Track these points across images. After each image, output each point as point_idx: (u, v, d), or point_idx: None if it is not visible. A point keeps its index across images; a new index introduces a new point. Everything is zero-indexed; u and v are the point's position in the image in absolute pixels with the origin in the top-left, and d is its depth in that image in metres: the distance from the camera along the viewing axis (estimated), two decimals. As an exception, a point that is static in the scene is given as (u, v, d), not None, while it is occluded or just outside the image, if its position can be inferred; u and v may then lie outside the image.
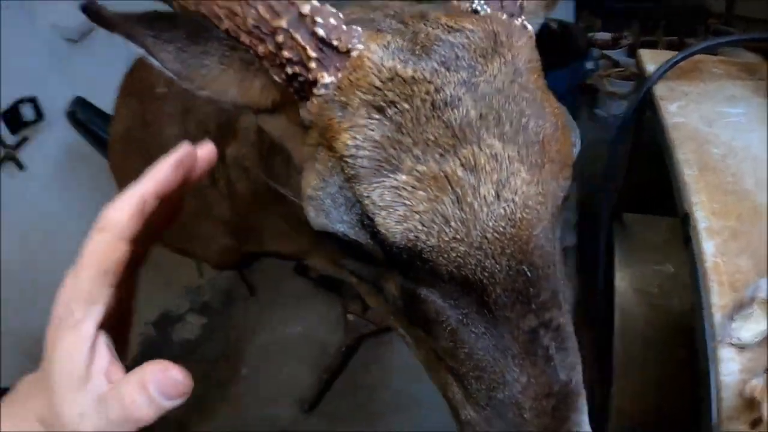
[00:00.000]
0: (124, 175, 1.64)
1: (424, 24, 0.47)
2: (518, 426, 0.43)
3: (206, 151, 0.48)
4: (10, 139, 2.72)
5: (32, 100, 2.66)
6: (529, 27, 0.51)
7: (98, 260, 0.39)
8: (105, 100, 2.24)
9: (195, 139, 1.02)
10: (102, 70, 2.52)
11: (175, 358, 1.49)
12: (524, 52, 0.48)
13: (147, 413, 0.37)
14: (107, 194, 1.49)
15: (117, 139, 1.66)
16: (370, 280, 0.55)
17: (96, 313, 0.39)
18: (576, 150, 0.51)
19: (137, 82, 1.55)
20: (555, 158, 0.45)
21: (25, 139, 2.75)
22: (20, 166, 2.76)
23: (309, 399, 2.20)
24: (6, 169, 2.75)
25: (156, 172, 0.44)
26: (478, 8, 0.47)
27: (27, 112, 2.66)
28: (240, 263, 1.78)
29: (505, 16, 0.48)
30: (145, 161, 1.12)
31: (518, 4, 0.50)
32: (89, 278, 0.39)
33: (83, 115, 2.65)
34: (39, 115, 2.72)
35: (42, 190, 2.84)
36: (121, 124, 1.58)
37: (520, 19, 0.50)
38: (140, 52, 0.52)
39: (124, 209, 0.41)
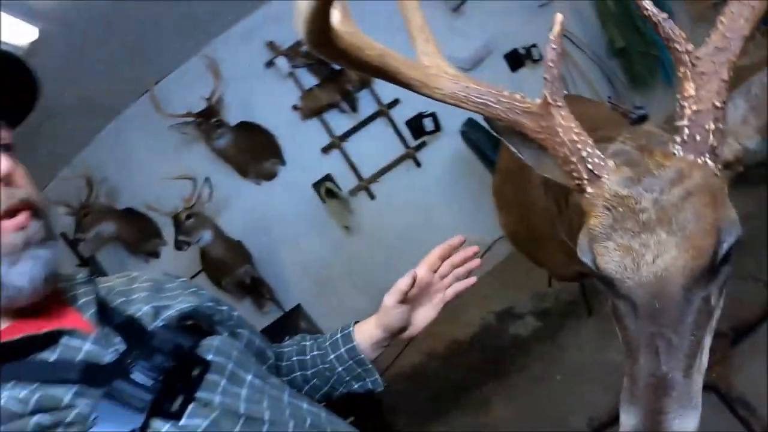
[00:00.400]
0: (501, 198, 2.22)
1: (649, 159, 0.73)
2: (635, 392, 0.68)
3: (470, 250, 0.99)
4: (411, 142, 3.41)
5: (432, 115, 3.27)
6: (710, 163, 0.70)
7: (425, 258, 0.96)
8: None
9: (549, 184, 1.50)
10: None
11: (503, 347, 2.92)
12: (699, 182, 0.68)
13: (401, 285, 0.88)
14: (483, 200, 2.82)
15: (500, 170, 2.24)
16: (603, 293, 0.86)
17: (414, 273, 0.90)
18: (725, 244, 0.72)
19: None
20: (697, 247, 0.67)
21: (424, 144, 3.49)
22: (418, 164, 3.54)
23: (599, 420, 2.35)
24: (406, 164, 3.76)
25: (445, 243, 0.97)
26: (676, 152, 0.70)
27: (428, 123, 3.29)
28: (574, 278, 2.12)
29: (692, 157, 0.69)
30: (515, 192, 1.84)
31: (707, 148, 0.69)
32: (422, 263, 0.95)
33: (474, 135, 3.16)
34: (437, 127, 3.32)
35: (432, 185, 3.73)
36: (504, 161, 2.14)
37: (705, 158, 0.70)
38: (511, 147, 0.86)
39: (435, 250, 0.96)
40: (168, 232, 3.60)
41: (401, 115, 3.66)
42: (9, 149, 0.67)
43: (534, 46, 3.70)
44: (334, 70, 3.53)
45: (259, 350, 0.86)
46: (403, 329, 0.95)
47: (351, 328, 0.96)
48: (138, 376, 0.62)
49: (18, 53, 1.93)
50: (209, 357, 0.69)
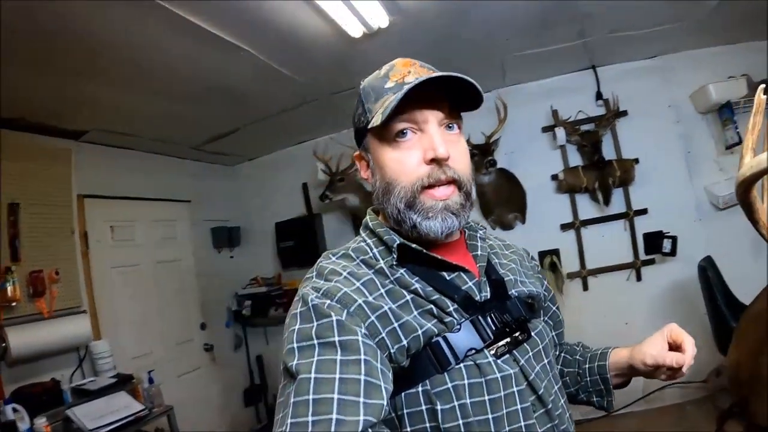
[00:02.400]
0: (743, 335, 2.36)
1: None
2: None
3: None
4: (642, 255, 3.96)
5: (673, 239, 3.76)
6: None
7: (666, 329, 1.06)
8: (730, 267, 3.22)
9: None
10: (734, 240, 3.57)
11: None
12: None
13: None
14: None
15: (751, 314, 2.43)
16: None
17: (664, 333, 1.04)
18: None
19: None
20: None
21: (653, 261, 3.97)
22: (639, 277, 4.02)
23: None
24: (628, 273, 4.03)
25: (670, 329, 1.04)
26: None
27: (666, 244, 3.76)
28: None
29: None
30: (759, 336, 2.17)
31: None
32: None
33: (711, 273, 3.33)
34: (673, 251, 3.76)
35: (644, 303, 3.93)
36: (761, 303, 2.34)
37: None
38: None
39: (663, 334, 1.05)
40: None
41: (644, 225, 3.89)
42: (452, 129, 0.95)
43: (793, 208, 3.81)
44: (603, 160, 3.86)
45: (552, 340, 1.10)
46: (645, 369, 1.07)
47: (610, 350, 1.15)
48: (490, 319, 0.90)
49: (363, 32, 2.71)
50: (532, 332, 0.96)
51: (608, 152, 3.95)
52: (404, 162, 0.91)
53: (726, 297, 3.12)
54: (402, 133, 0.91)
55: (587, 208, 4.07)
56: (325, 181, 4.27)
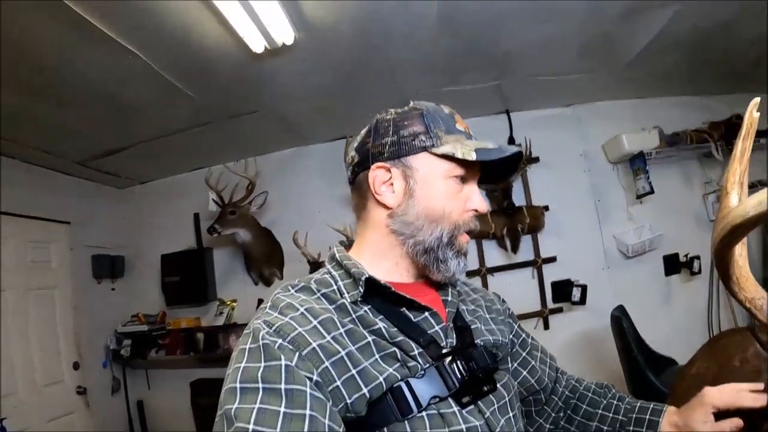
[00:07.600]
0: (681, 400, 2.29)
1: None
2: None
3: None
4: (550, 303, 3.98)
5: (583, 287, 3.85)
6: None
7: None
8: (636, 314, 3.27)
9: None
10: (640, 288, 3.79)
11: None
12: None
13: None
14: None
15: (689, 375, 2.34)
16: None
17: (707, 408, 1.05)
18: None
19: (720, 347, 2.13)
20: None
21: (560, 310, 4.05)
22: (546, 326, 3.97)
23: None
24: (535, 322, 4.07)
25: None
26: None
27: (575, 293, 3.91)
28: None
29: None
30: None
31: None
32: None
33: (625, 323, 3.31)
34: (583, 300, 3.84)
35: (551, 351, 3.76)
36: (698, 369, 2.24)
37: None
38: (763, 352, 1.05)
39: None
40: (297, 270, 4.07)
41: (552, 273, 3.95)
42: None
43: (697, 257, 3.93)
44: (512, 207, 3.89)
45: (517, 393, 1.10)
46: None
47: (661, 419, 1.11)
48: (456, 367, 0.91)
49: (265, 46, 2.59)
50: (498, 384, 0.97)
51: (518, 198, 4.01)
52: (456, 202, 1.00)
53: (640, 346, 3.14)
54: (462, 178, 1.01)
55: (494, 254, 4.09)
56: (216, 212, 4.05)
